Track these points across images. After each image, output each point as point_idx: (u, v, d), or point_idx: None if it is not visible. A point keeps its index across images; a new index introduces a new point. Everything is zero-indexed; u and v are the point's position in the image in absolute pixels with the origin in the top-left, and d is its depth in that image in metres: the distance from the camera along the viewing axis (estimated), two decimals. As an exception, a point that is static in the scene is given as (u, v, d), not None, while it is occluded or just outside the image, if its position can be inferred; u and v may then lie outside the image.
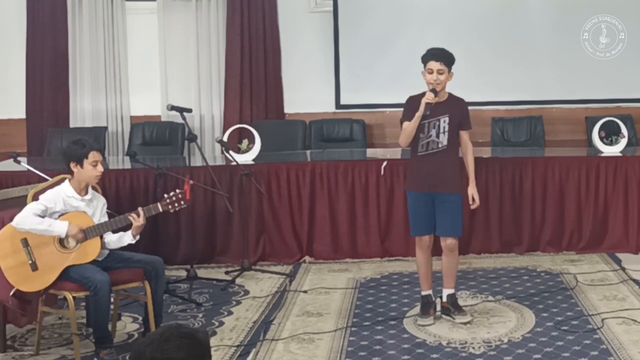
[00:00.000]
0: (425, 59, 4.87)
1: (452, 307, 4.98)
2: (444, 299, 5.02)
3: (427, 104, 4.77)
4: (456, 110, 4.90)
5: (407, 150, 7.14)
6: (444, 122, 4.84)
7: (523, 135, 7.78)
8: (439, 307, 5.05)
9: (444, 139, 4.85)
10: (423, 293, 5.04)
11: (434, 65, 4.82)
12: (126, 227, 4.58)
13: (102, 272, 4.39)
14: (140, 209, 4.54)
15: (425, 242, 4.97)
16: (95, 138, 7.33)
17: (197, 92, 8.04)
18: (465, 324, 4.88)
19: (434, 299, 5.04)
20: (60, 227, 4.35)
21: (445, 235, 4.94)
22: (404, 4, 7.93)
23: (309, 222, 6.48)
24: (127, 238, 4.59)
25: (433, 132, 4.85)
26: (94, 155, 4.48)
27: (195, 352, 2.12)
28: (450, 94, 4.95)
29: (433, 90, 4.80)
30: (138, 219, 4.50)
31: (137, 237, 4.60)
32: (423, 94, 4.82)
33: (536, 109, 7.97)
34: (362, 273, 6.12)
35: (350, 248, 6.50)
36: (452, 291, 5.03)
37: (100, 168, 4.51)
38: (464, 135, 4.98)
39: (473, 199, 4.99)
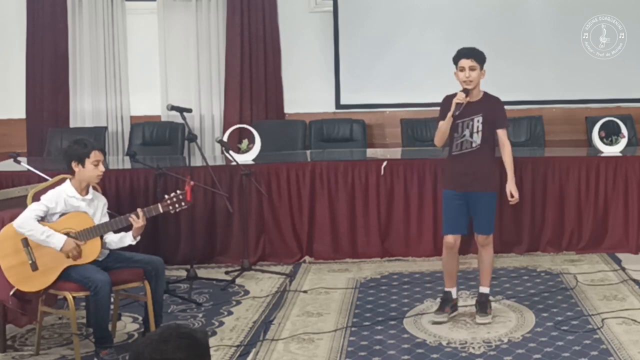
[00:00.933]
0: (457, 58, 4.86)
1: (478, 306, 4.99)
2: (477, 297, 5.06)
3: (458, 104, 4.76)
4: (490, 109, 4.87)
5: (406, 150, 7.16)
6: (478, 121, 4.83)
7: (523, 135, 7.78)
8: (463, 302, 5.05)
9: (477, 139, 4.84)
10: (445, 289, 5.05)
11: (465, 62, 4.80)
12: (127, 228, 4.58)
13: (103, 272, 4.39)
14: (139, 210, 4.53)
15: (450, 242, 4.97)
16: (95, 138, 7.33)
17: (197, 92, 8.04)
18: (483, 324, 4.87)
19: (454, 297, 5.03)
20: (57, 241, 4.33)
21: (479, 232, 4.99)
22: (404, 4, 7.93)
23: (309, 222, 6.48)
24: (127, 239, 4.59)
25: (467, 132, 4.84)
26: (95, 155, 4.48)
27: (194, 352, 2.11)
28: (485, 93, 4.93)
29: (465, 90, 4.80)
30: (138, 220, 4.50)
31: (138, 238, 4.60)
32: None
33: (536, 109, 7.96)
34: (362, 273, 6.12)
35: (350, 248, 6.50)
36: (486, 290, 5.03)
37: (101, 168, 4.51)
38: (501, 133, 4.93)
39: (512, 195, 4.97)
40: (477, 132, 4.84)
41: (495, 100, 4.96)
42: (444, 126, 4.86)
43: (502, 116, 4.96)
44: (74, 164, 4.47)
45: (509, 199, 5.01)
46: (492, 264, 5.10)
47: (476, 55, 4.83)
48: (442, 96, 4.99)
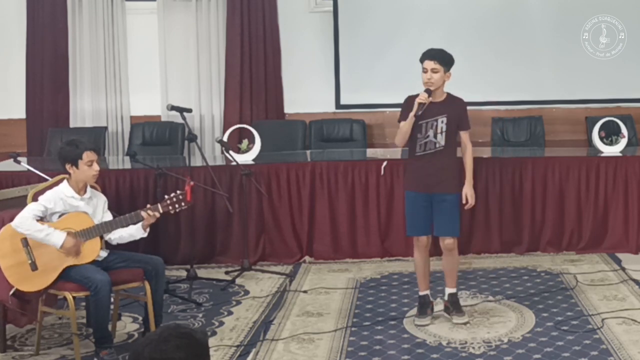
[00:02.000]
0: (422, 58, 4.88)
1: (452, 307, 4.98)
2: (445, 298, 5.03)
3: (421, 104, 4.76)
4: (454, 110, 4.88)
5: (406, 150, 7.14)
6: (442, 122, 4.83)
7: (523, 135, 7.78)
8: (437, 307, 5.05)
9: (441, 140, 4.84)
10: (420, 293, 5.03)
11: (428, 64, 4.82)
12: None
13: (103, 272, 4.39)
14: (149, 206, 4.53)
15: (423, 242, 4.97)
16: (95, 138, 7.34)
17: (197, 92, 8.04)
18: (462, 324, 4.87)
19: (431, 299, 5.04)
20: (57, 239, 4.33)
21: (443, 235, 4.94)
22: (404, 4, 7.93)
23: (309, 222, 6.48)
24: (139, 233, 4.61)
25: (430, 133, 4.84)
26: (88, 155, 4.46)
27: (194, 352, 2.11)
28: (448, 94, 4.93)
29: (427, 91, 4.79)
30: (150, 217, 4.48)
31: (148, 230, 4.61)
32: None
33: (536, 109, 7.97)
34: (362, 273, 6.12)
35: (350, 248, 6.50)
36: (453, 290, 5.03)
37: (96, 167, 4.50)
38: (463, 135, 4.96)
39: (467, 200, 4.96)
40: (441, 132, 4.83)
41: (459, 101, 4.96)
42: (405, 126, 4.85)
43: (466, 118, 4.96)
44: (67, 166, 4.46)
45: (463, 202, 4.96)
46: (457, 267, 5.09)
47: (439, 58, 4.82)
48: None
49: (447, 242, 4.95)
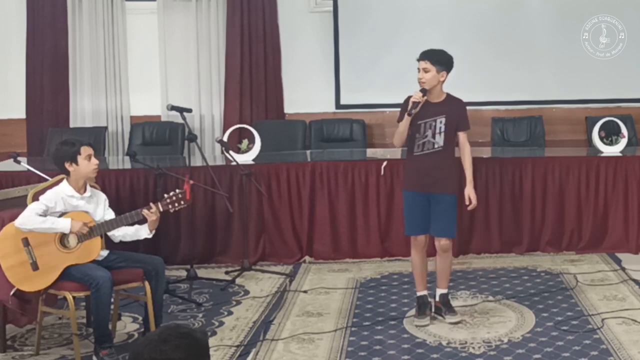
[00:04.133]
0: (417, 58, 4.88)
1: (444, 307, 4.98)
2: (437, 299, 5.03)
3: (415, 102, 4.76)
4: (453, 110, 4.87)
5: (406, 150, 7.14)
6: (440, 122, 4.82)
7: (523, 135, 7.78)
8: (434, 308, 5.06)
9: (440, 140, 4.83)
10: (418, 294, 5.03)
11: (420, 64, 4.83)
12: (136, 224, 4.60)
13: (103, 270, 4.39)
14: (152, 204, 4.54)
15: (420, 242, 4.97)
16: (95, 138, 7.34)
17: (197, 92, 8.04)
18: (454, 323, 4.87)
19: (429, 299, 5.04)
20: (64, 224, 4.35)
21: (439, 235, 4.94)
22: (404, 4, 7.94)
23: (309, 222, 6.48)
24: (143, 232, 4.62)
25: (429, 133, 4.83)
26: (85, 150, 4.48)
27: (194, 352, 2.11)
28: (448, 94, 4.93)
29: (422, 90, 4.79)
30: (151, 214, 4.48)
31: (153, 232, 4.61)
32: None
33: (536, 109, 7.97)
34: (362, 273, 6.12)
35: (350, 248, 6.50)
36: (444, 291, 5.03)
37: (95, 161, 4.51)
38: (462, 136, 4.94)
39: (470, 200, 4.97)
40: (440, 133, 4.83)
41: (458, 102, 4.95)
42: (401, 126, 4.86)
43: (465, 118, 4.95)
44: (67, 165, 4.46)
45: (466, 203, 4.96)
46: (451, 269, 5.09)
47: (431, 57, 4.82)
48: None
49: (443, 243, 4.95)
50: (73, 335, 4.46)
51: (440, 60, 4.83)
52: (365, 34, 7.93)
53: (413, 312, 5.14)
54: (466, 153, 4.97)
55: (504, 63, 7.91)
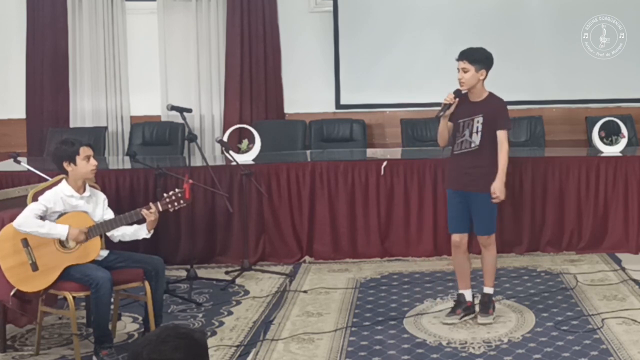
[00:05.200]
0: (456, 58, 4.87)
1: (481, 305, 4.98)
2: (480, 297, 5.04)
3: (446, 105, 4.78)
4: (492, 109, 4.85)
5: (406, 150, 7.17)
6: (478, 122, 4.82)
7: (523, 135, 7.77)
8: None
9: (476, 139, 4.83)
10: (459, 291, 5.04)
11: (459, 64, 4.84)
12: (136, 223, 4.59)
13: (103, 270, 4.39)
14: (151, 204, 4.54)
15: (456, 240, 4.96)
16: (95, 138, 7.34)
17: (197, 92, 8.04)
18: (483, 324, 4.86)
19: (467, 298, 5.00)
20: (62, 230, 4.34)
21: (477, 233, 4.99)
22: (404, 4, 7.93)
23: (309, 222, 6.48)
24: (142, 232, 4.62)
25: (467, 132, 4.84)
26: (84, 151, 4.47)
27: (193, 352, 2.11)
28: (490, 93, 4.92)
29: (456, 91, 4.81)
30: (150, 214, 4.48)
31: (152, 232, 4.61)
32: (465, 95, 4.84)
33: (536, 109, 7.96)
34: (362, 273, 6.12)
35: (350, 248, 6.50)
36: (487, 289, 5.01)
37: (93, 162, 4.50)
38: (500, 134, 4.86)
39: (494, 193, 4.86)
40: (477, 132, 4.83)
41: (498, 101, 4.94)
42: (440, 126, 4.92)
43: (503, 117, 4.92)
44: (65, 164, 4.46)
45: (492, 196, 4.90)
46: (494, 264, 5.07)
47: (468, 57, 4.84)
48: (442, 96, 4.97)
49: (481, 239, 4.98)
50: (73, 335, 4.46)
51: (478, 58, 4.84)
52: (365, 34, 7.93)
53: (413, 312, 5.16)
54: (502, 151, 4.85)
55: (504, 63, 7.83)
